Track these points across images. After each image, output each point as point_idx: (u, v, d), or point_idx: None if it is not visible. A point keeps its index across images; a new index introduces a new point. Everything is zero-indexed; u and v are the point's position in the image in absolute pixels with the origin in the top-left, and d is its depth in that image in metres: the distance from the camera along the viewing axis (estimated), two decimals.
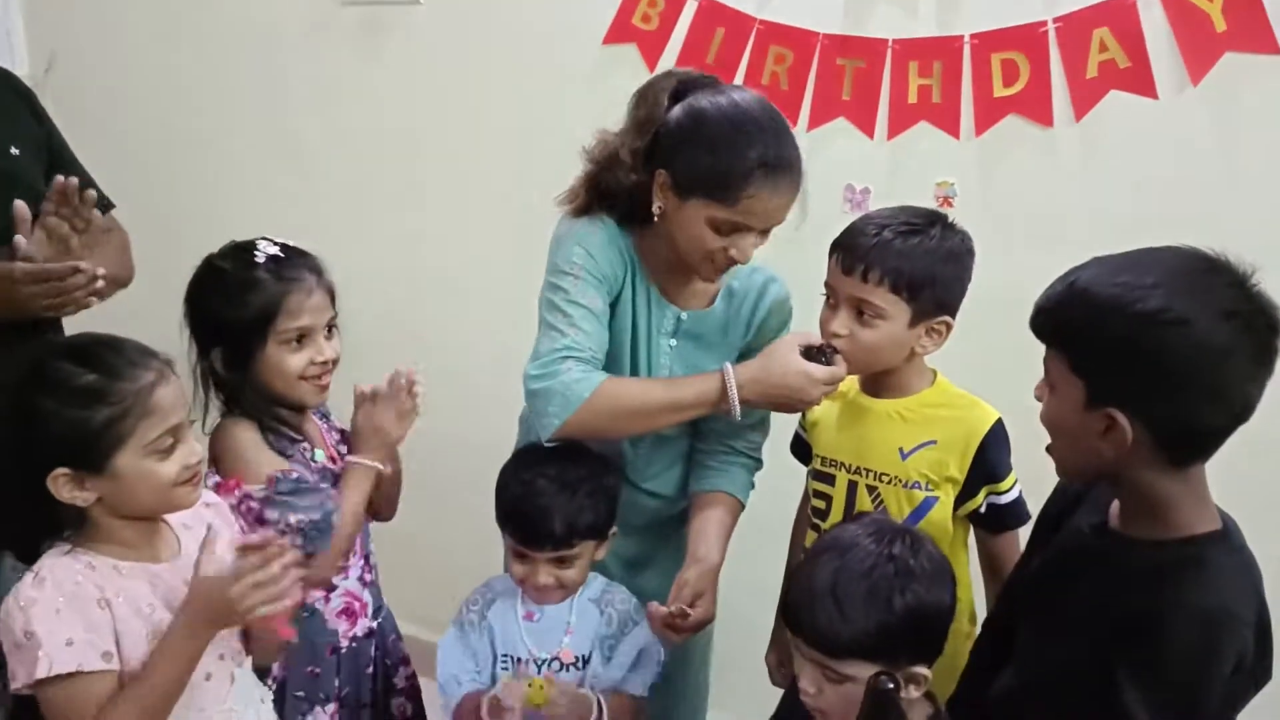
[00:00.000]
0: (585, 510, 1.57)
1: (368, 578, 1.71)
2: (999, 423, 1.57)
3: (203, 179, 2.84)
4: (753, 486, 1.77)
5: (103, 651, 1.21)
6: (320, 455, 1.64)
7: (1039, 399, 1.23)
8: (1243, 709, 1.16)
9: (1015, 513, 1.58)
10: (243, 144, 2.81)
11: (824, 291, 1.59)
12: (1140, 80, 1.91)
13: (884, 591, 1.24)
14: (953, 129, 2.08)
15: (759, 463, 1.77)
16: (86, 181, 1.83)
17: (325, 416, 1.75)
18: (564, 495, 1.56)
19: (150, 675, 1.22)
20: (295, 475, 1.53)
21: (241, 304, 1.52)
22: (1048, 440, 1.25)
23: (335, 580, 1.64)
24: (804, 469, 1.78)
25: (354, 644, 1.68)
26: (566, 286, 1.58)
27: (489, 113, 2.48)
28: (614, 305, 1.64)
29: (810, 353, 1.55)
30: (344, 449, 1.70)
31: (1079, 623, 1.15)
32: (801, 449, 1.82)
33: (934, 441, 1.57)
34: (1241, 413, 1.10)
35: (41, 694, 1.19)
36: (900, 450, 1.58)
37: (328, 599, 1.64)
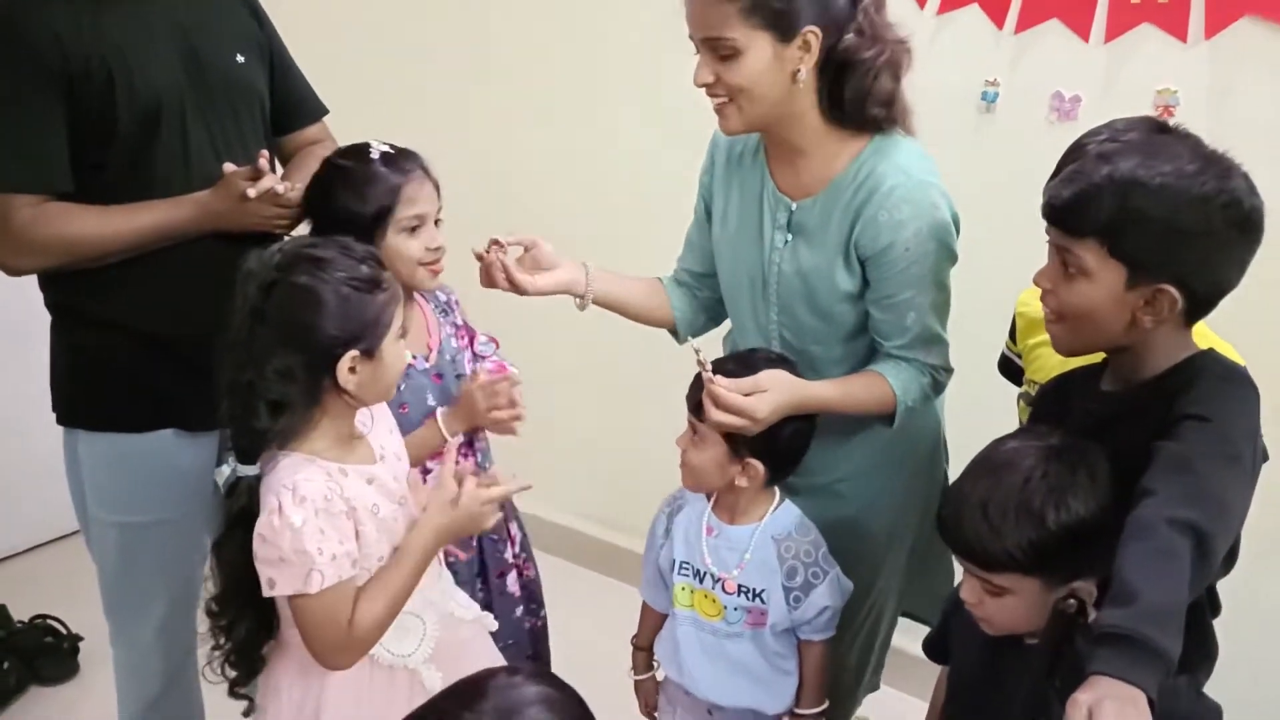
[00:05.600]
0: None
1: (469, 461, 1.79)
2: None
3: (406, 88, 2.88)
4: (928, 397, 1.66)
5: (353, 559, 1.33)
6: (408, 354, 1.70)
7: (1048, 287, 1.29)
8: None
9: None
10: (444, 55, 2.83)
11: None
12: None
13: (1037, 507, 1.22)
14: (1180, 31, 1.92)
15: (936, 380, 1.66)
16: (303, 88, 1.93)
17: (446, 310, 1.83)
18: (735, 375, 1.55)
19: (396, 576, 1.37)
20: None
21: (364, 196, 1.62)
22: None
23: (429, 463, 1.73)
24: None
25: None
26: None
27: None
28: (742, 202, 1.69)
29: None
30: (454, 346, 1.79)
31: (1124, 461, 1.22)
32: (1011, 369, 1.75)
33: None
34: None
35: (302, 602, 1.30)
36: None
37: (424, 479, 1.72)
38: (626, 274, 1.80)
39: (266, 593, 1.30)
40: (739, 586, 1.64)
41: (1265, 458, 1.27)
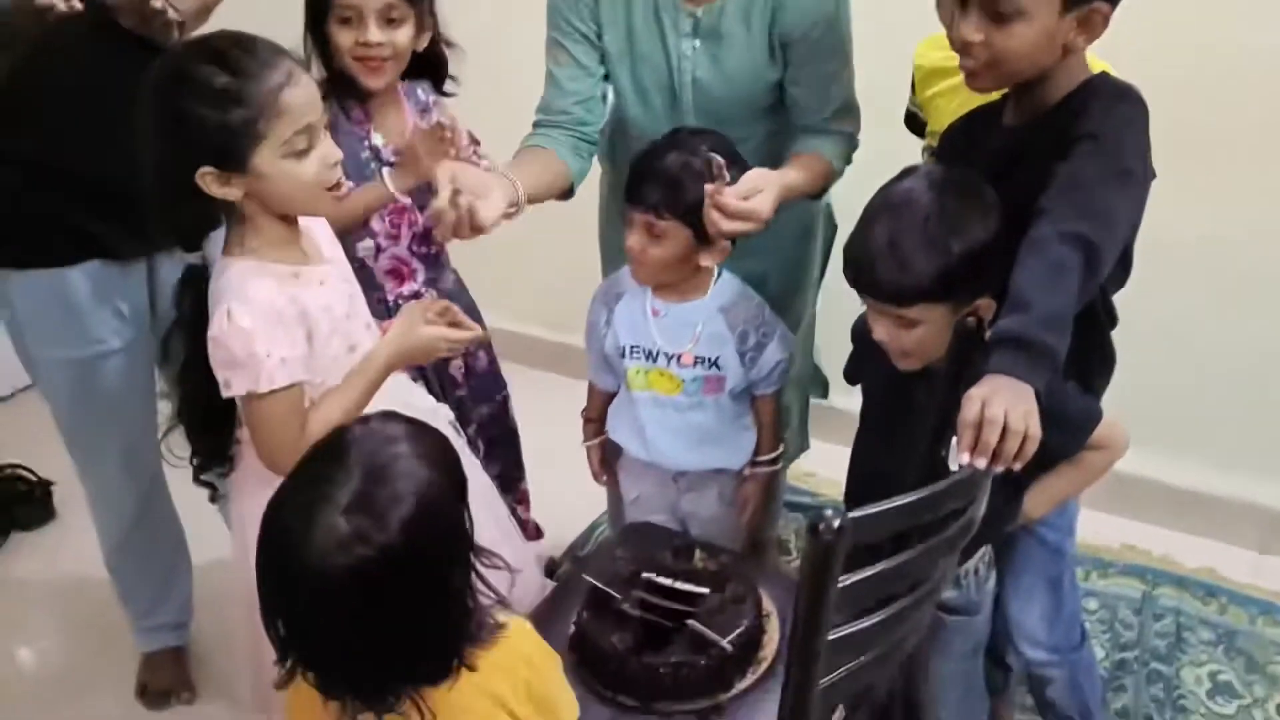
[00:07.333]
0: (687, 186, 1.56)
1: (423, 251, 1.84)
2: None
3: None
4: (849, 162, 1.74)
5: (305, 364, 1.37)
6: (380, 139, 1.75)
7: (978, 39, 1.28)
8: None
9: None
10: None
11: None
12: None
13: (941, 240, 1.28)
14: None
15: (855, 145, 1.74)
16: None
17: (426, 110, 1.82)
18: (676, 163, 1.58)
19: (351, 390, 1.41)
20: None
21: None
22: None
23: (381, 242, 1.79)
24: None
25: (400, 301, 1.83)
26: (549, 46, 1.70)
27: None
28: (630, 24, 1.66)
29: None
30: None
31: (1029, 189, 1.25)
32: (916, 123, 1.80)
33: None
34: None
35: (254, 404, 1.34)
36: None
37: (376, 258, 1.80)
38: (520, 161, 1.68)
39: (224, 394, 1.34)
40: (695, 358, 1.71)
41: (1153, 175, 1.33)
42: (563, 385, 2.40)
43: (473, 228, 1.42)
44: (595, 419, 1.89)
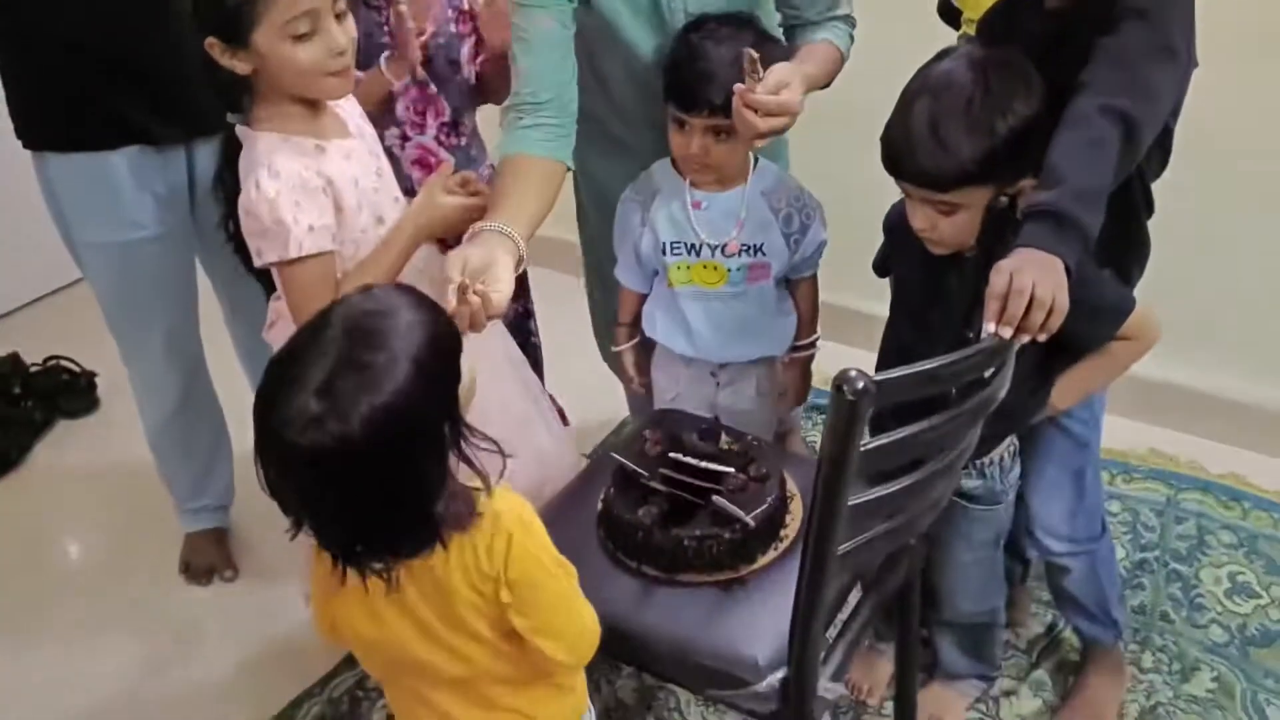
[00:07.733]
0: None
1: (451, 142, 1.85)
2: None
3: None
4: (853, 41, 1.74)
5: (332, 234, 1.40)
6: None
7: None
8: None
9: None
10: None
11: None
12: None
13: (985, 121, 1.25)
14: None
15: (854, 20, 1.74)
16: None
17: None
18: (728, 60, 1.55)
19: (378, 263, 1.43)
20: None
21: None
22: None
23: (410, 133, 1.81)
24: None
25: None
26: (516, 19, 1.59)
27: None
28: None
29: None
30: (451, 30, 1.79)
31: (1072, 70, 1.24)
32: (950, 12, 1.77)
33: None
34: None
35: (286, 272, 1.38)
36: None
37: (403, 147, 1.81)
38: (511, 194, 1.50)
39: (256, 264, 1.38)
40: (741, 246, 1.70)
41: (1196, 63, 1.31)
42: (564, 282, 2.41)
43: (489, 316, 1.32)
44: (629, 323, 1.88)
